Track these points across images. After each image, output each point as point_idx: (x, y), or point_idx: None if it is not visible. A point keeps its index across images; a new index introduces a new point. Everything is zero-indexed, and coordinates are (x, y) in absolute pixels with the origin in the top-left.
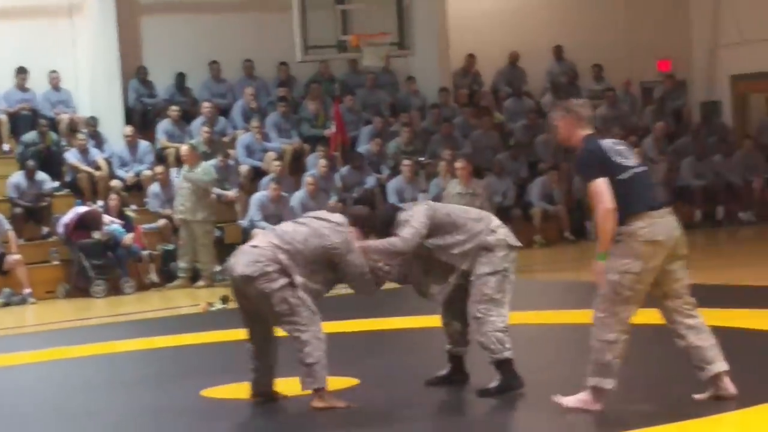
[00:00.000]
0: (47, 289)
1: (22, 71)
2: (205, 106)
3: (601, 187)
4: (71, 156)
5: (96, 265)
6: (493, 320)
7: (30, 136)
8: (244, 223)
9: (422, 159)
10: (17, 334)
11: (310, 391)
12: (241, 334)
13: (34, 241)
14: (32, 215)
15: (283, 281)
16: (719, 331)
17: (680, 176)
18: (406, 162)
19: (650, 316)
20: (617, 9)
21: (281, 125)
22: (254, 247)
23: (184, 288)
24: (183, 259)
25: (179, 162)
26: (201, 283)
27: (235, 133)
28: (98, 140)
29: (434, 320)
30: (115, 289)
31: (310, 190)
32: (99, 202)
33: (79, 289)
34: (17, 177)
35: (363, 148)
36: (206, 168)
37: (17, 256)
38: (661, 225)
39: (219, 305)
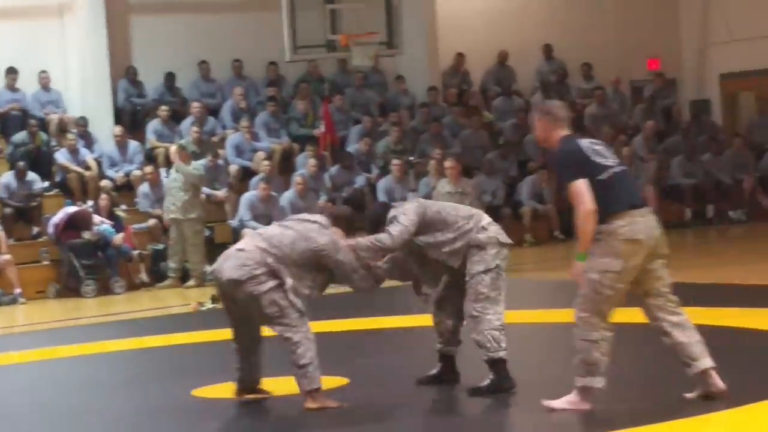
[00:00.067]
0: (37, 289)
1: (11, 71)
2: (195, 106)
3: (581, 188)
4: (61, 156)
5: (86, 265)
6: (489, 318)
7: (20, 136)
8: (233, 222)
9: (412, 158)
10: (7, 335)
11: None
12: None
13: (24, 241)
14: (22, 215)
15: (271, 283)
16: (709, 330)
17: (670, 175)
18: (395, 161)
19: (637, 315)
20: (607, 8)
21: (270, 125)
22: (240, 250)
23: (174, 288)
24: (173, 259)
25: (169, 162)
26: (191, 282)
27: (225, 133)
28: (88, 140)
29: (424, 319)
30: (105, 289)
31: (300, 190)
32: (89, 202)
33: (70, 289)
34: (7, 177)
35: (352, 147)
36: (196, 165)
37: (7, 257)
38: (642, 224)
39: (209, 305)
